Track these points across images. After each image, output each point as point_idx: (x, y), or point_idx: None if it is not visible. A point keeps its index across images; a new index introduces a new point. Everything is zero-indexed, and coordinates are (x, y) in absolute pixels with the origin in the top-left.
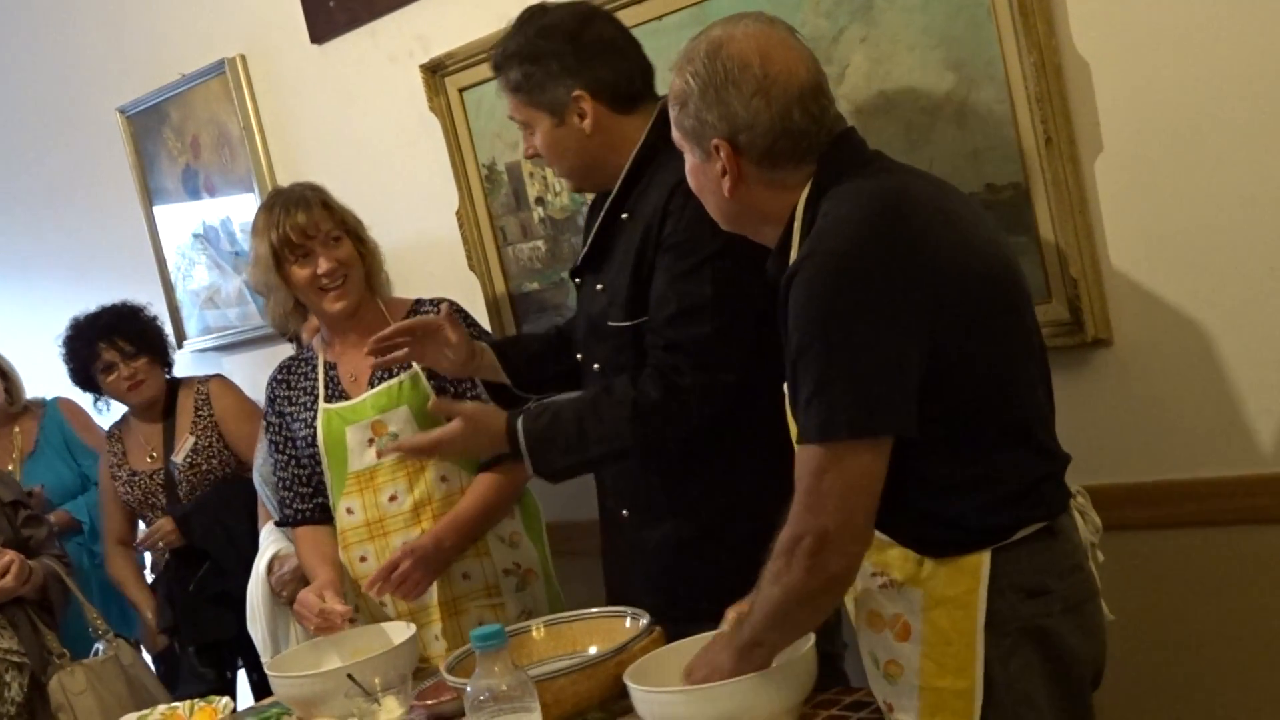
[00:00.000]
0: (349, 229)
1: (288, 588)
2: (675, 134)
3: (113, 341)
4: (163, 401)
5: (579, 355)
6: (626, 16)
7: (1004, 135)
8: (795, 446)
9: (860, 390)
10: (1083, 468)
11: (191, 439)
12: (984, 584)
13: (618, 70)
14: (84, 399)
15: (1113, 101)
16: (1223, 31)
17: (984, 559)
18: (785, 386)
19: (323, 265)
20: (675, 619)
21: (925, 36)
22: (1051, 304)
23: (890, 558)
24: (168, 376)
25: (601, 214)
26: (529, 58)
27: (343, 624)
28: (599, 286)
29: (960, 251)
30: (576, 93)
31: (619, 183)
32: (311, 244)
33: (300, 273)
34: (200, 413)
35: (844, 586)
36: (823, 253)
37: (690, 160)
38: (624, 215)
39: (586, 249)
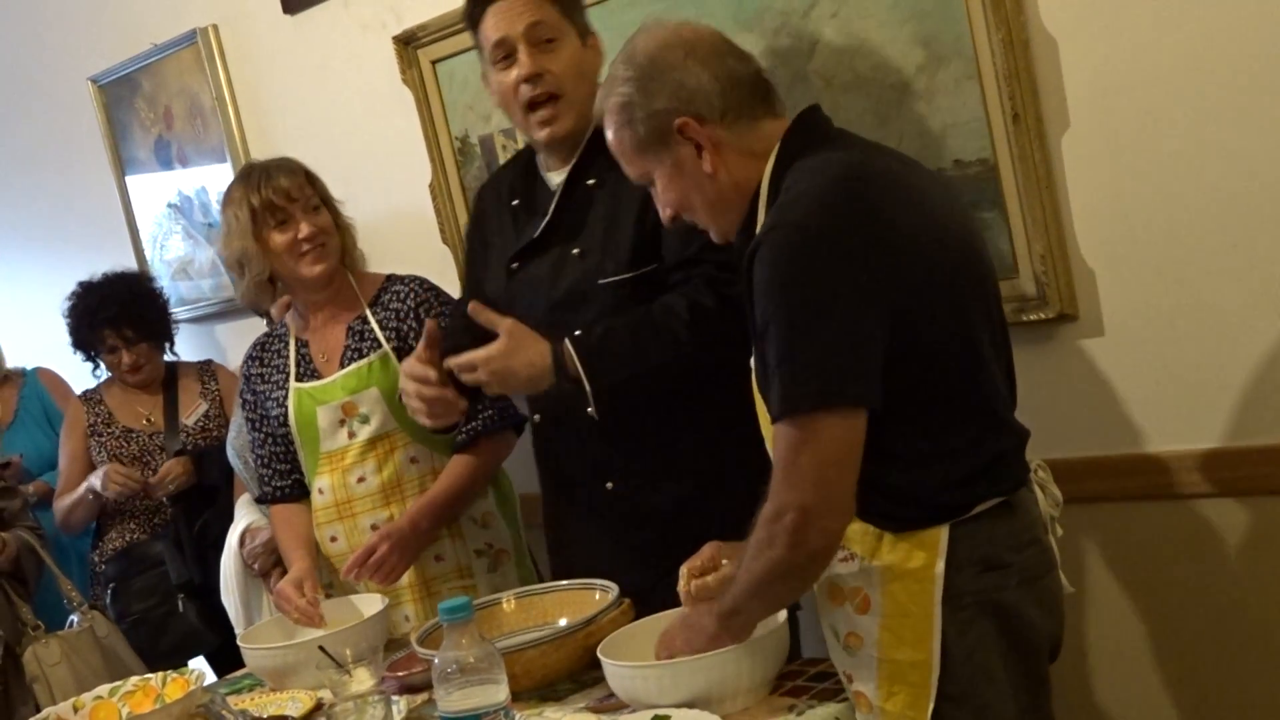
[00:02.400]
0: (328, 200)
1: (259, 560)
2: (634, 163)
3: (118, 328)
4: (161, 375)
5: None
6: None
7: (972, 111)
8: (771, 424)
9: (824, 362)
10: (1046, 441)
11: (204, 404)
12: (942, 558)
13: None
14: (76, 366)
15: (1080, 79)
16: (1189, 9)
17: (942, 533)
18: (751, 363)
19: (304, 230)
20: (671, 587)
21: (894, 12)
22: (1018, 279)
23: (850, 532)
24: (167, 358)
25: (565, 184)
26: None
27: (321, 622)
28: (575, 251)
29: (921, 226)
30: (592, 29)
31: (580, 153)
32: (293, 208)
33: (279, 238)
34: (208, 386)
35: (826, 561)
36: (784, 225)
37: (663, 171)
38: (590, 182)
39: (549, 221)
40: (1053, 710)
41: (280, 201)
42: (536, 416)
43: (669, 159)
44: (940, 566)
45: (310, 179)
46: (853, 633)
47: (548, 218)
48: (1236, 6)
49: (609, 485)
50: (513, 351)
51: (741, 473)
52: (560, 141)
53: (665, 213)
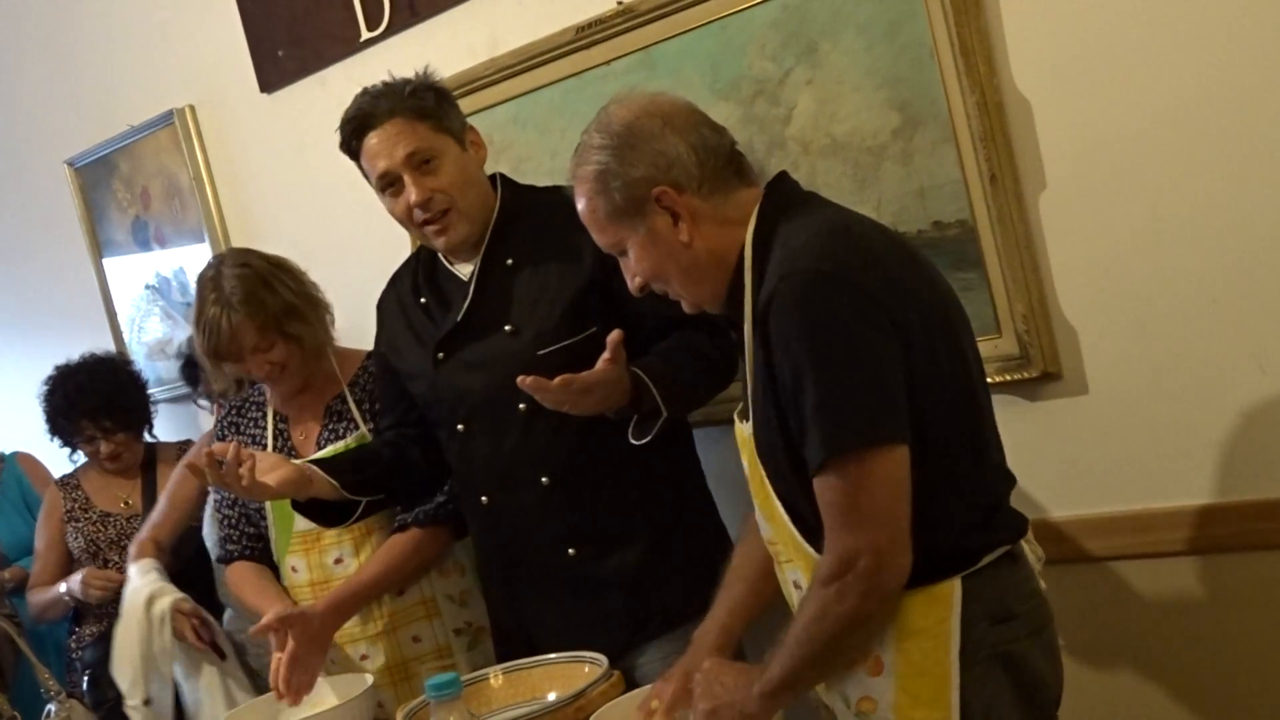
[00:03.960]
0: (281, 325)
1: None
2: (607, 232)
3: (96, 420)
4: (140, 459)
5: (462, 425)
6: (576, 61)
7: (949, 174)
8: (814, 480)
9: (863, 399)
10: (1032, 501)
11: None
12: (956, 612)
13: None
14: (55, 450)
15: (1054, 138)
16: (1159, 68)
17: (955, 586)
18: (745, 425)
19: (255, 372)
20: (650, 637)
21: (870, 78)
22: (1000, 339)
23: None
24: (147, 439)
25: (478, 272)
26: (428, 90)
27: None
28: (507, 329)
29: (914, 275)
30: (469, 124)
31: (488, 242)
32: (243, 352)
33: (237, 368)
34: None
35: (894, 605)
36: (797, 273)
37: (637, 240)
38: (509, 262)
39: (469, 305)
40: None
41: (225, 354)
42: (484, 498)
43: (644, 228)
44: (955, 621)
45: (253, 317)
46: (866, 697)
47: (468, 300)
48: (1208, 65)
49: (570, 552)
50: (616, 379)
51: (699, 526)
52: (458, 247)
53: (634, 282)
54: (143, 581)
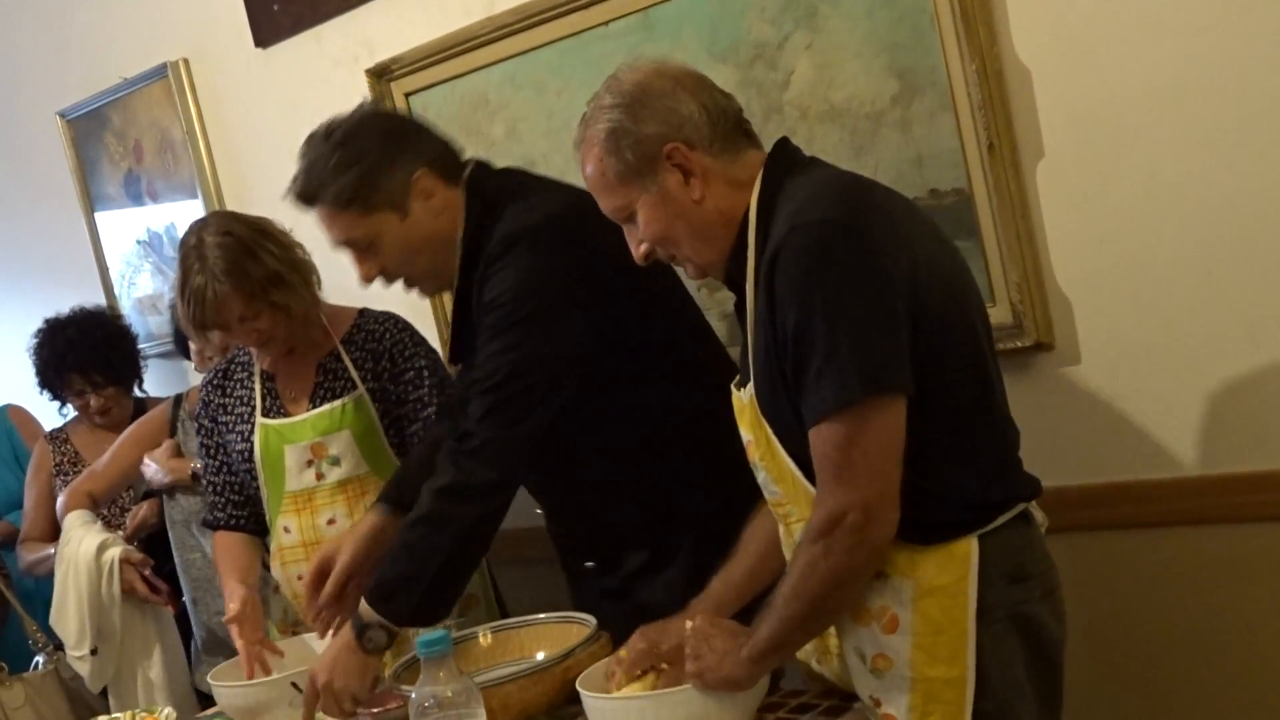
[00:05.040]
0: (267, 293)
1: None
2: (616, 195)
3: (86, 374)
4: (129, 415)
5: None
6: (574, 22)
7: (947, 141)
8: (810, 430)
9: (868, 350)
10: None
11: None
12: (974, 570)
13: (436, 140)
14: (45, 404)
15: (1053, 107)
16: (1160, 39)
17: (973, 545)
18: (744, 392)
19: (242, 340)
20: None
21: (869, 44)
22: (994, 308)
23: None
24: (136, 394)
25: (452, 312)
26: (351, 164)
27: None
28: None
29: (919, 229)
30: (417, 173)
31: (461, 267)
32: (228, 322)
33: (224, 337)
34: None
35: (881, 560)
36: (805, 225)
37: (647, 200)
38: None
39: (452, 344)
40: None
41: (210, 325)
42: (539, 511)
43: (655, 186)
44: (973, 579)
45: (237, 287)
46: (881, 654)
47: (450, 338)
48: (1209, 35)
49: (588, 565)
50: (326, 650)
51: (689, 525)
52: (437, 293)
53: (640, 249)
54: (86, 531)
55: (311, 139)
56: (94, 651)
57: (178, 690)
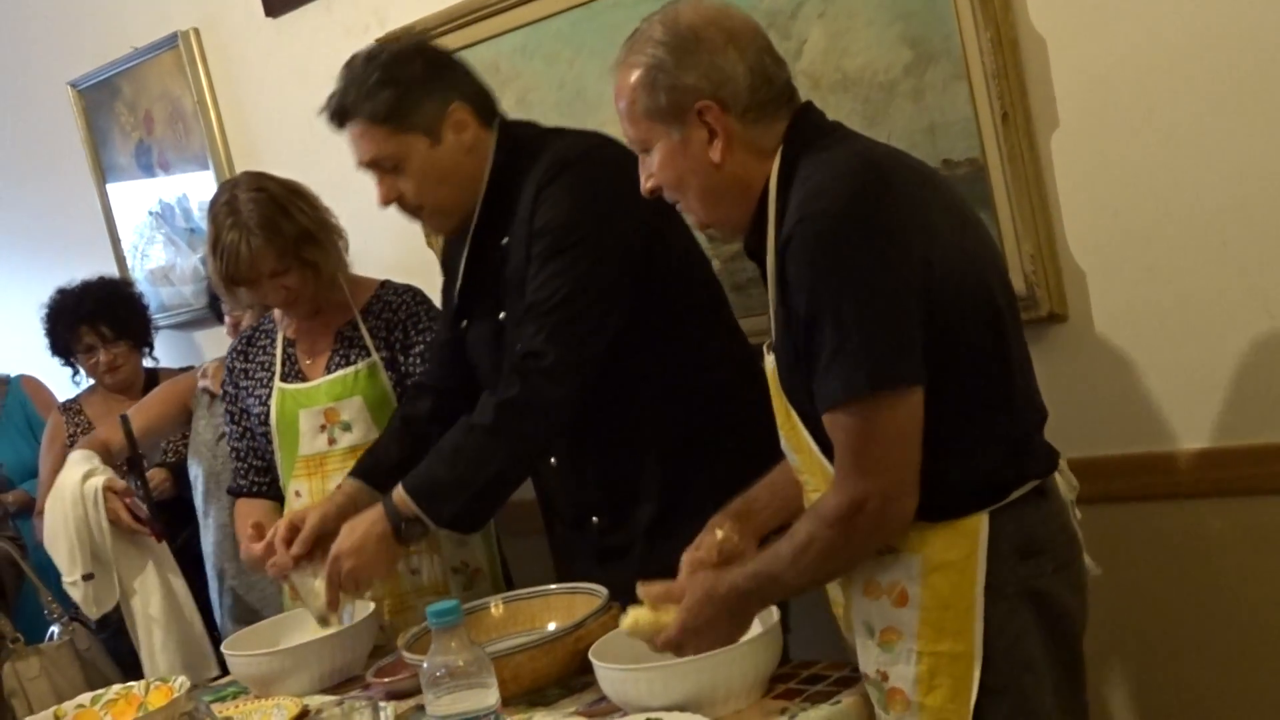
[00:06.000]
0: (299, 250)
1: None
2: (639, 126)
3: (95, 325)
4: (141, 383)
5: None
6: None
7: (961, 111)
8: (824, 417)
9: (878, 343)
10: None
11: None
12: (983, 546)
13: (477, 82)
14: (58, 372)
15: (1069, 77)
16: (1176, 6)
17: (982, 521)
18: (772, 357)
19: (270, 297)
20: None
21: (882, 12)
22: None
23: None
24: (146, 360)
25: (467, 248)
26: (390, 83)
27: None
28: (502, 315)
29: (938, 206)
30: (454, 104)
31: (480, 209)
32: (258, 278)
33: (249, 295)
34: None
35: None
36: (815, 215)
37: (666, 145)
38: (505, 240)
39: (462, 290)
40: (1087, 700)
41: (241, 278)
42: (553, 460)
43: (678, 136)
44: (982, 555)
45: (270, 241)
46: (890, 627)
47: (459, 283)
48: (1225, 4)
49: (594, 520)
50: (352, 529)
51: (706, 484)
52: (446, 234)
53: (648, 184)
54: (78, 458)
55: (353, 61)
56: (87, 577)
57: (181, 628)
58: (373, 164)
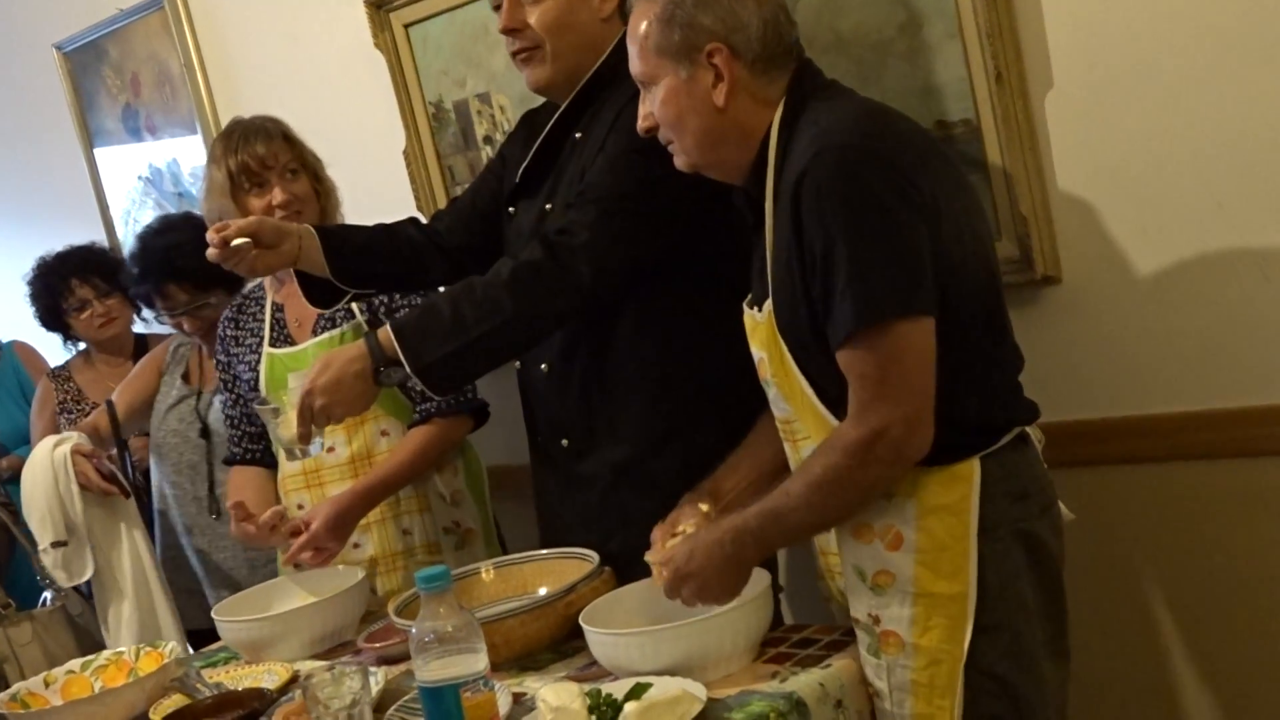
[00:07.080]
0: (307, 165)
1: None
2: (647, 61)
3: (86, 278)
4: (131, 344)
5: None
6: None
7: (955, 71)
8: (836, 353)
9: (896, 271)
10: None
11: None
12: (976, 490)
13: None
14: (48, 340)
15: (1063, 37)
16: None
17: (974, 465)
18: (754, 311)
19: (278, 196)
20: (610, 555)
21: None
22: (1001, 241)
23: None
24: (138, 325)
25: (546, 131)
26: None
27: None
28: (548, 206)
29: (934, 153)
30: None
31: (569, 101)
32: (269, 174)
33: (255, 203)
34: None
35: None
36: (832, 147)
37: (672, 83)
38: (578, 135)
39: (528, 165)
40: (1069, 640)
41: (255, 166)
42: (544, 366)
43: (684, 74)
44: (975, 498)
45: (290, 142)
46: (883, 570)
47: (524, 165)
48: None
49: (564, 442)
50: (328, 363)
51: (678, 452)
52: (543, 90)
53: (644, 123)
54: (60, 437)
55: None
56: (57, 544)
57: (141, 583)
58: None
